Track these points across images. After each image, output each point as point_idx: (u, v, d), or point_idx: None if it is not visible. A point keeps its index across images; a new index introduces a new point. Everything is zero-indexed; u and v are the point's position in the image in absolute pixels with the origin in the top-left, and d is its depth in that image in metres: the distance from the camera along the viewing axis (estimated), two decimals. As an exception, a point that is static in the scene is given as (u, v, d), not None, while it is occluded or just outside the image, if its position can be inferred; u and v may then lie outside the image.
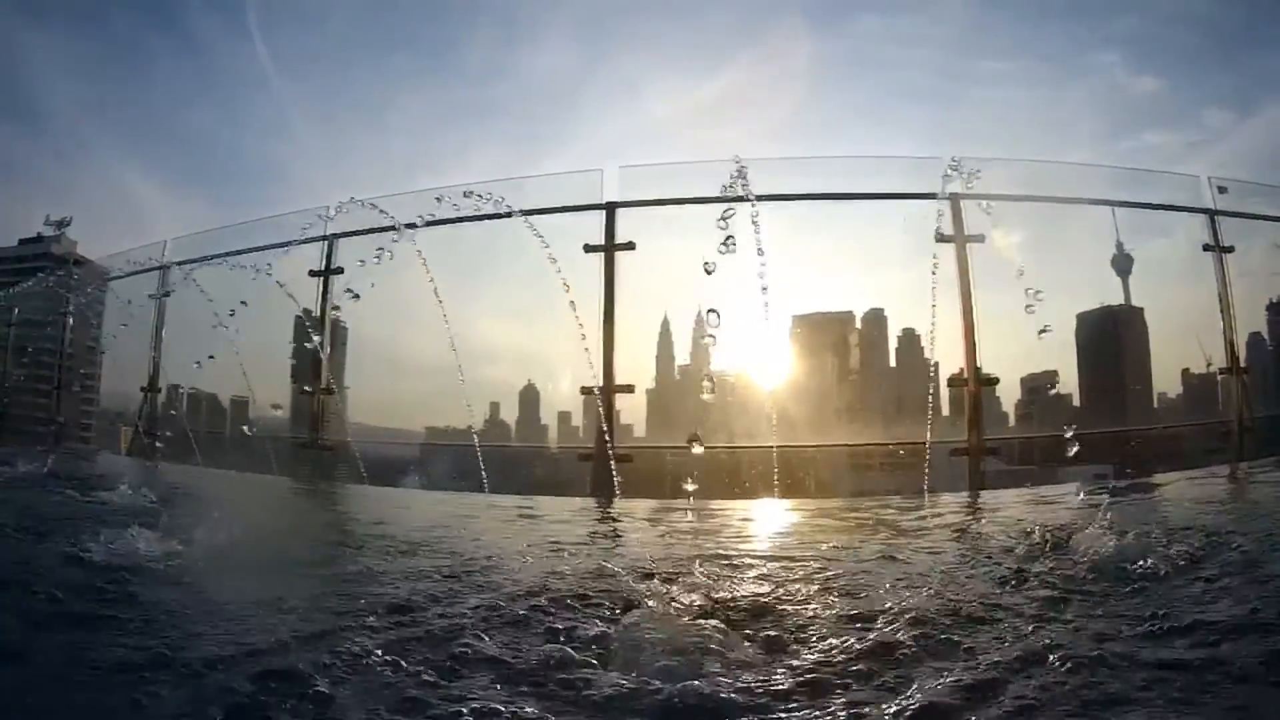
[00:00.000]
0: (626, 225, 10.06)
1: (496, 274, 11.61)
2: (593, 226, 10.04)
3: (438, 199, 9.14)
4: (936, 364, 12.04)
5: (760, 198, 8.04)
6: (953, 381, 9.42)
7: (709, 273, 5.07)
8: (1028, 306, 6.48)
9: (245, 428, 10.95)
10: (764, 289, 7.96)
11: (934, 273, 9.09)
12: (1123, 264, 10.66)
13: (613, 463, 8.80)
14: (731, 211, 5.65)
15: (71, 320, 15.17)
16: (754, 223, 7.79)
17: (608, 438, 9.11)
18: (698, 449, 5.75)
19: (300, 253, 10.86)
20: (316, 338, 10.72)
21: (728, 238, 5.33)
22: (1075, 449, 6.42)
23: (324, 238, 10.89)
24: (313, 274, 10.96)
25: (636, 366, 10.22)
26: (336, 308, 10.72)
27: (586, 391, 9.46)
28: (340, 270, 10.92)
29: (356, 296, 6.67)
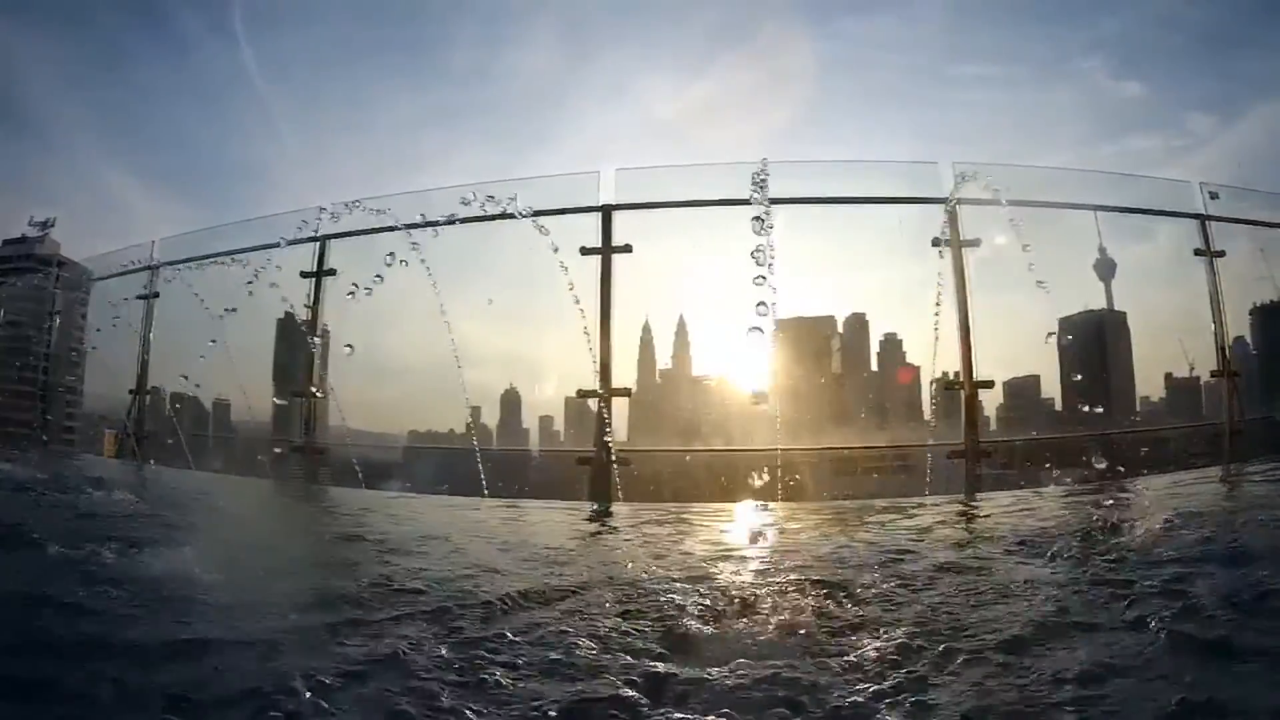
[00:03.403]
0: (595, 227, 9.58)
1: (479, 277, 11.07)
2: (578, 228, 9.55)
3: (464, 201, 8.59)
4: (919, 368, 11.80)
5: (774, 201, 7.57)
6: (950, 384, 9.02)
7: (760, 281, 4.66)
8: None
9: (277, 449, 10.27)
10: (770, 289, 7.44)
11: (939, 279, 8.71)
12: (1105, 268, 10.36)
13: (614, 466, 8.34)
14: (771, 256, 5.21)
15: (58, 321, 14.40)
16: (766, 228, 7.31)
17: (609, 440, 8.63)
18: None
19: (291, 253, 10.27)
20: (313, 339, 10.13)
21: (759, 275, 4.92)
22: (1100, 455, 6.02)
23: (315, 238, 10.29)
24: (304, 275, 10.36)
25: (617, 370, 9.72)
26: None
27: (586, 394, 8.96)
28: (333, 271, 10.34)
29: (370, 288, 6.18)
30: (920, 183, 9.74)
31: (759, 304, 4.39)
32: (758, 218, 5.25)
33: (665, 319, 11.41)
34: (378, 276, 7.11)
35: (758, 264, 4.78)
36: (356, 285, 7.27)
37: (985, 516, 5.99)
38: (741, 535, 5.50)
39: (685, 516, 6.49)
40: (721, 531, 5.80)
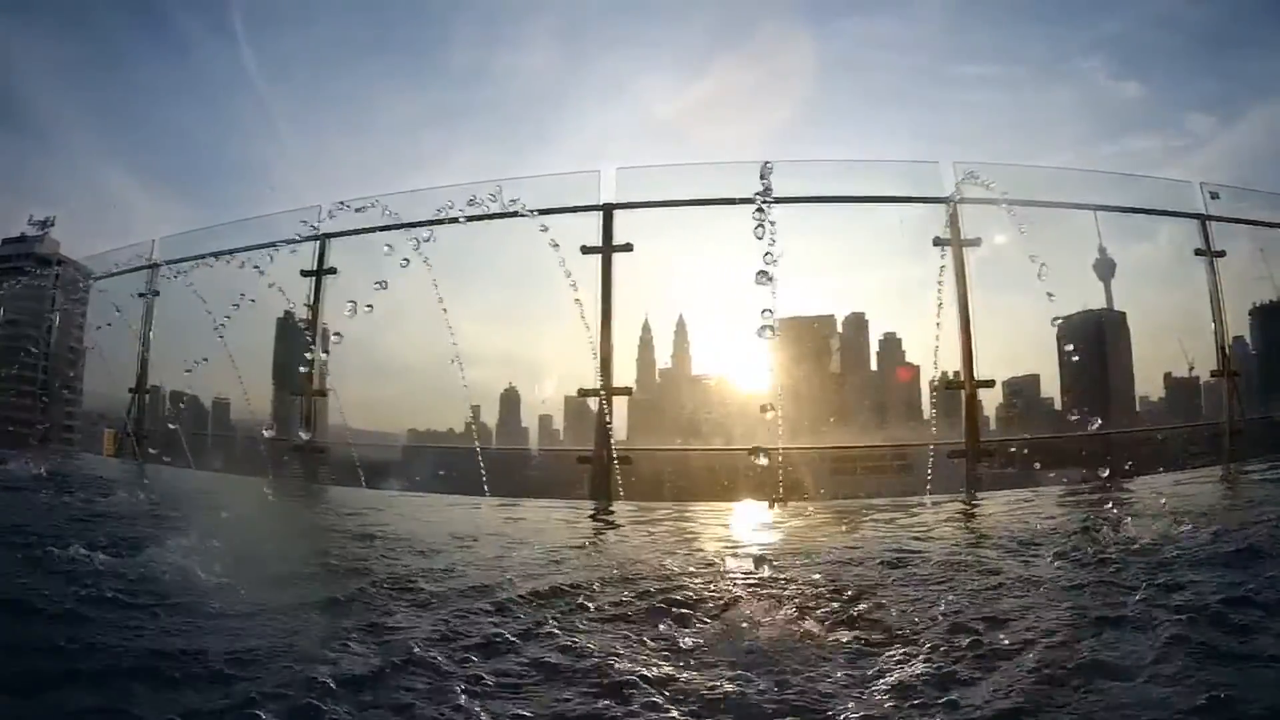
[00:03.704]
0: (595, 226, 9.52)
1: (478, 276, 11.00)
2: (577, 226, 9.46)
3: (439, 211, 8.51)
4: (918, 367, 11.74)
5: (775, 200, 7.46)
6: (951, 384, 8.96)
7: (765, 279, 4.55)
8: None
9: (297, 436, 10.17)
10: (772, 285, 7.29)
11: (940, 278, 8.65)
12: (1105, 268, 10.31)
13: (616, 465, 8.27)
14: (775, 252, 5.13)
15: (57, 320, 14.29)
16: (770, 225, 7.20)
17: (611, 438, 8.57)
18: (762, 460, 5.19)
19: (290, 252, 10.18)
20: (313, 342, 10.06)
21: (767, 252, 4.83)
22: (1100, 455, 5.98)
23: (316, 237, 10.22)
24: (304, 274, 10.28)
25: (617, 369, 9.67)
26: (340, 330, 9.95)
27: (587, 393, 8.90)
28: (333, 270, 10.27)
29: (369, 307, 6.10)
30: (921, 183, 9.69)
31: (764, 310, 4.30)
32: (760, 208, 5.13)
33: (664, 319, 11.36)
34: (377, 288, 7.01)
35: (764, 272, 4.65)
36: (355, 302, 7.18)
37: (989, 515, 5.95)
38: (755, 534, 5.43)
39: (693, 516, 6.45)
40: (733, 530, 5.75)
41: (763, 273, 4.41)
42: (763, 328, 4.38)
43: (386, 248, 7.53)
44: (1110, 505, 4.91)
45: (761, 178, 5.63)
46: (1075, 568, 3.36)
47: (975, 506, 6.83)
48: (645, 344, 11.32)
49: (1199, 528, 3.81)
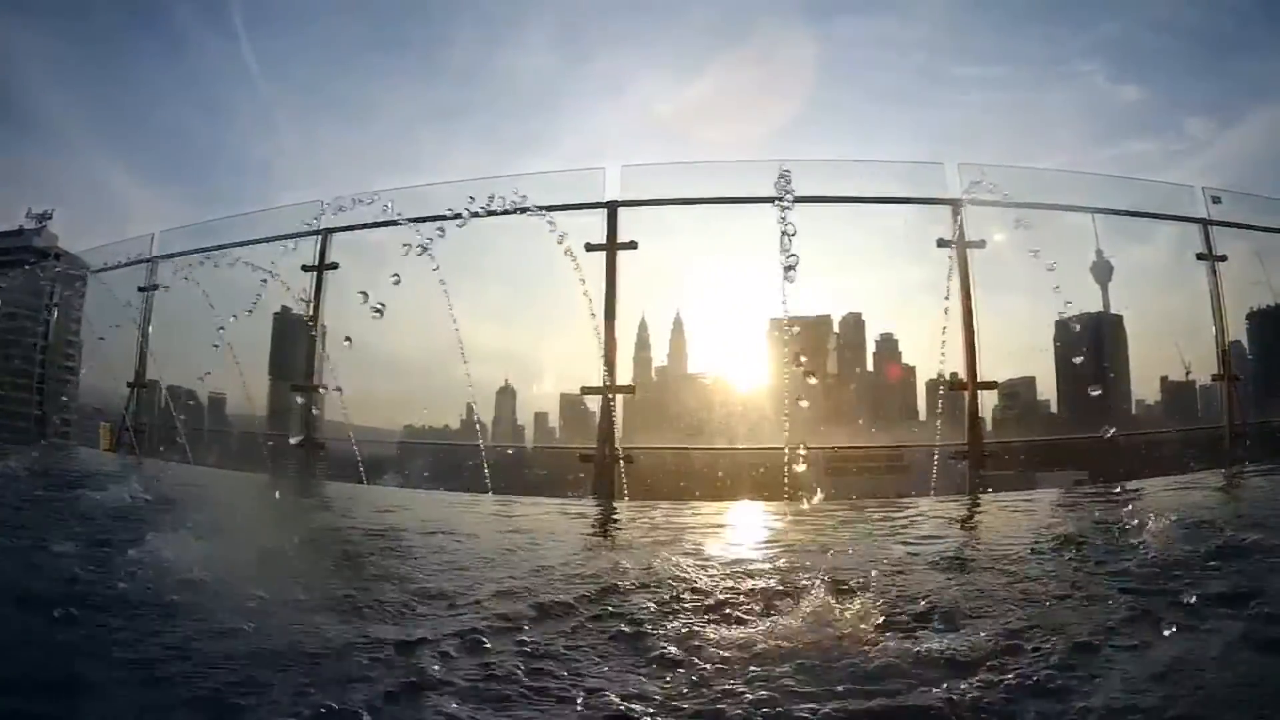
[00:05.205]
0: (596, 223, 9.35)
1: (474, 273, 10.81)
2: (577, 224, 9.26)
3: (460, 196, 8.35)
4: (914, 367, 11.64)
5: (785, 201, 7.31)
6: (953, 385, 8.84)
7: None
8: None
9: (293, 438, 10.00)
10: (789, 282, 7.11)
11: (948, 280, 8.52)
12: (1102, 271, 10.20)
13: (621, 464, 8.12)
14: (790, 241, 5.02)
15: (55, 314, 14.06)
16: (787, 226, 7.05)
17: (618, 436, 8.43)
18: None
19: (292, 248, 10.00)
20: (313, 336, 9.88)
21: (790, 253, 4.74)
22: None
23: (317, 232, 10.02)
24: (305, 269, 10.07)
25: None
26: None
27: (589, 391, 8.75)
28: (335, 265, 10.06)
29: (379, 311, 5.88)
30: (923, 184, 9.56)
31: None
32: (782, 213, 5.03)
33: (661, 316, 11.22)
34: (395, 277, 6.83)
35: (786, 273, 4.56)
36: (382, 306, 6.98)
37: (1013, 514, 5.83)
38: (785, 534, 5.30)
39: (710, 516, 6.28)
40: (753, 529, 5.65)
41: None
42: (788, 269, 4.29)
43: (408, 245, 7.34)
44: (1125, 508, 4.79)
45: (783, 182, 5.51)
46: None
47: (980, 507, 6.69)
48: (642, 342, 11.18)
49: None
